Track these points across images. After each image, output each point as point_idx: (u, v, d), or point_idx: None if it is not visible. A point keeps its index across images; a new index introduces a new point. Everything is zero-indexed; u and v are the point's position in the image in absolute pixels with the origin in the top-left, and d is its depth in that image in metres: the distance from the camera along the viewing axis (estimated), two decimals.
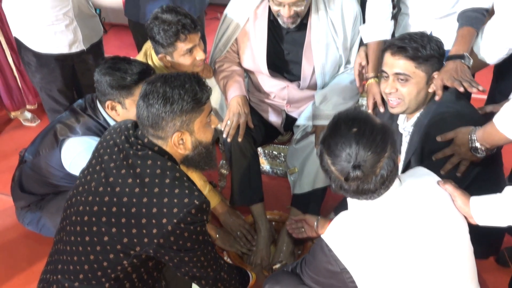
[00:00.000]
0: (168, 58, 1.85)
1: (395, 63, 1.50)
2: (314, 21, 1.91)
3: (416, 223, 1.18)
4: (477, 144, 1.39)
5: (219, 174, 2.37)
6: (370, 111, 1.82)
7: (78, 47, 2.24)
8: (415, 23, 1.93)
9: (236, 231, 2.05)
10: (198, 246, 1.31)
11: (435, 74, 1.51)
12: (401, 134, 1.69)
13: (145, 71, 1.70)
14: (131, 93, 1.69)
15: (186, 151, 1.34)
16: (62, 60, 2.25)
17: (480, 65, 1.64)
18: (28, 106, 2.95)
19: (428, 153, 1.50)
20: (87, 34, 2.27)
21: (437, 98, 1.52)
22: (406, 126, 1.65)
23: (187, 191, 1.25)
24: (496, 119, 1.31)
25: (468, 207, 1.24)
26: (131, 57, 1.78)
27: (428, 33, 1.90)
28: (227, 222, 2.05)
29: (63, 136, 1.77)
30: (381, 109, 1.77)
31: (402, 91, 1.51)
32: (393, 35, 1.95)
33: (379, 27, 1.87)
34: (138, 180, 1.26)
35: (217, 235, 2.02)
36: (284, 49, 1.99)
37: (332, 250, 1.19)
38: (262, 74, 2.05)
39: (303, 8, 1.80)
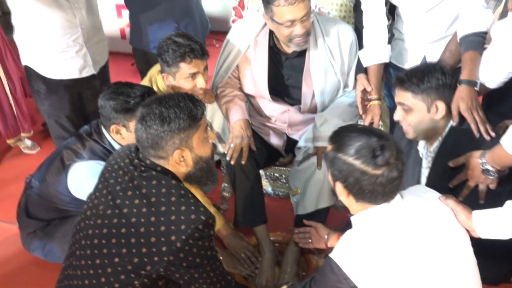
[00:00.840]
0: (170, 78, 1.90)
1: (398, 94, 1.62)
2: (313, 47, 1.97)
3: (421, 238, 1.21)
4: (488, 167, 1.45)
5: (221, 197, 2.39)
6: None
7: (89, 71, 2.30)
8: (409, 48, 2.01)
9: (240, 253, 2.06)
10: (207, 261, 1.34)
11: (438, 103, 1.57)
12: (420, 159, 1.75)
13: (148, 93, 1.75)
14: (134, 115, 1.71)
15: (188, 167, 1.38)
16: (71, 86, 2.29)
17: (482, 89, 1.69)
18: (23, 134, 2.96)
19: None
20: (96, 58, 2.32)
21: (454, 124, 1.59)
22: (426, 153, 1.72)
23: (193, 208, 1.28)
24: (503, 140, 1.37)
25: (470, 221, 1.28)
26: (133, 82, 1.85)
27: (421, 57, 1.99)
28: (231, 244, 2.06)
29: (69, 161, 1.80)
30: None
31: (408, 119, 1.62)
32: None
33: (377, 51, 1.95)
34: (144, 201, 1.29)
35: (221, 257, 2.03)
36: (284, 75, 2.05)
37: (341, 268, 1.22)
38: (263, 98, 2.10)
39: (310, 22, 1.85)
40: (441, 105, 1.57)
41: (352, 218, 1.32)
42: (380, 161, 1.19)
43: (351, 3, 2.21)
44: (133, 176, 1.32)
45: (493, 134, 1.53)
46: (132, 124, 1.75)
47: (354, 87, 2.05)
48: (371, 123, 1.94)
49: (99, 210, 1.35)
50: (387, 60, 1.96)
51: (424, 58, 1.99)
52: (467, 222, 1.29)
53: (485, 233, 1.29)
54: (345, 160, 1.22)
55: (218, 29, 3.71)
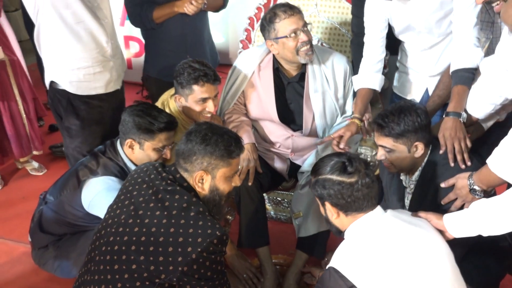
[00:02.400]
0: (183, 100, 2.02)
1: (378, 138, 1.72)
2: (311, 73, 2.13)
3: (404, 239, 1.35)
4: (476, 187, 1.56)
5: (224, 220, 2.46)
6: (333, 137, 1.99)
7: (113, 86, 2.31)
8: (412, 80, 2.15)
9: (242, 274, 2.12)
10: (217, 275, 1.41)
11: (417, 143, 1.68)
12: (403, 188, 1.87)
13: (172, 122, 1.88)
14: (152, 138, 1.85)
15: (203, 192, 1.49)
16: (101, 116, 2.29)
17: (470, 120, 1.80)
18: (35, 152, 3.03)
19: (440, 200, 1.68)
20: (120, 72, 2.37)
21: (441, 152, 1.71)
22: (409, 181, 1.83)
23: (209, 224, 1.38)
24: (489, 161, 1.49)
25: (442, 222, 1.45)
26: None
27: (424, 89, 2.11)
28: (235, 264, 2.12)
29: (84, 177, 1.89)
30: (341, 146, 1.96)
31: (390, 159, 1.72)
32: (391, 90, 2.16)
33: (369, 78, 2.07)
34: (165, 212, 1.38)
35: None
36: (287, 99, 2.19)
37: (339, 271, 1.32)
38: (270, 122, 2.21)
39: (310, 32, 2.04)
40: (420, 145, 1.68)
41: (345, 233, 1.44)
42: (351, 170, 1.38)
43: (349, 38, 2.37)
44: (158, 190, 1.43)
45: (468, 163, 1.65)
46: (147, 144, 1.86)
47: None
48: (341, 136, 1.98)
49: (120, 219, 1.43)
50: (376, 88, 2.08)
51: (427, 90, 2.11)
52: (440, 223, 1.45)
53: (455, 232, 1.44)
54: (324, 178, 1.42)
55: (223, 62, 3.87)
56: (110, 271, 1.38)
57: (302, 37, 2.00)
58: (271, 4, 2.45)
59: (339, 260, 1.35)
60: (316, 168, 1.46)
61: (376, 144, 1.75)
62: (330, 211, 1.44)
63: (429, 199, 1.70)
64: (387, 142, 1.69)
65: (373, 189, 1.41)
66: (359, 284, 1.29)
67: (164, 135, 1.87)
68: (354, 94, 2.16)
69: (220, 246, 1.38)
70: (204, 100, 2.00)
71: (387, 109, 1.76)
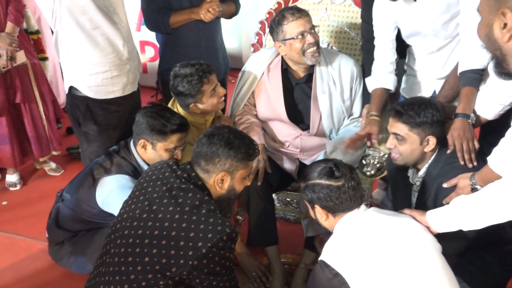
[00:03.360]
0: (198, 105, 2.08)
1: (393, 125, 1.75)
2: (319, 74, 2.17)
3: (385, 228, 1.43)
4: (478, 186, 1.59)
5: (234, 220, 2.51)
6: (362, 134, 2.04)
7: (130, 89, 2.35)
8: (419, 83, 2.17)
9: (252, 272, 2.16)
10: (225, 271, 1.47)
11: (430, 137, 1.71)
12: (411, 185, 1.90)
13: (184, 124, 1.95)
14: (165, 139, 1.92)
15: (221, 191, 1.57)
16: (118, 121, 2.33)
17: (481, 121, 1.83)
18: (54, 153, 3.12)
19: (443, 198, 1.70)
20: (136, 74, 2.41)
21: (448, 151, 1.75)
22: (415, 178, 1.86)
23: (220, 221, 1.44)
24: (489, 160, 1.52)
25: (425, 218, 1.52)
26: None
27: (432, 92, 2.14)
28: (245, 262, 2.17)
29: (98, 175, 1.96)
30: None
31: (400, 148, 1.75)
32: (399, 93, 2.20)
33: (382, 78, 2.11)
34: (178, 208, 1.45)
35: None
36: (295, 99, 2.24)
37: (325, 261, 1.41)
38: (278, 122, 2.26)
39: (318, 33, 2.10)
40: (433, 140, 1.72)
41: (334, 230, 1.52)
42: (338, 174, 1.49)
43: (358, 42, 2.41)
44: (172, 187, 1.50)
45: (475, 163, 1.69)
46: (159, 145, 1.93)
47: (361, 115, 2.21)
48: (369, 134, 2.04)
49: (135, 213, 1.50)
50: (390, 87, 2.12)
51: (434, 92, 2.13)
52: (423, 219, 1.52)
53: (438, 227, 1.50)
54: (314, 183, 1.52)
55: (233, 66, 3.94)
56: (124, 263, 1.45)
57: (309, 38, 2.05)
58: None
59: (325, 252, 1.44)
60: (305, 174, 1.57)
61: (389, 131, 1.78)
62: (320, 214, 1.53)
63: (432, 198, 1.73)
64: (402, 129, 1.72)
65: (359, 191, 1.51)
66: (342, 271, 1.36)
67: (176, 136, 1.94)
68: (366, 97, 2.19)
69: (230, 243, 1.44)
70: (214, 89, 2.06)
71: (407, 99, 1.81)
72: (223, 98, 2.13)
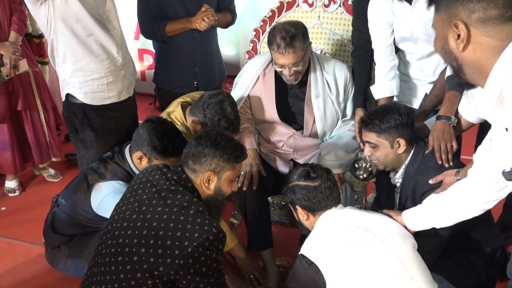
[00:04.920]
0: (198, 127, 2.15)
1: (365, 134, 1.90)
2: (313, 79, 2.22)
3: (358, 222, 1.53)
4: None
5: (230, 224, 2.55)
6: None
7: (126, 94, 2.36)
8: (411, 88, 2.22)
9: (250, 274, 2.19)
10: (212, 273, 1.48)
11: (399, 139, 1.82)
12: (394, 186, 1.99)
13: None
14: (163, 159, 1.96)
15: (208, 191, 1.60)
16: (115, 127, 2.35)
17: (466, 124, 1.90)
18: (54, 159, 3.16)
19: (420, 195, 1.78)
20: (132, 80, 2.42)
21: (427, 151, 1.85)
22: (396, 178, 1.96)
23: (207, 221, 1.47)
24: (474, 157, 1.56)
25: (401, 217, 1.62)
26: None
27: (423, 95, 2.19)
28: (244, 264, 2.20)
29: (93, 181, 2.00)
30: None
31: (375, 154, 1.89)
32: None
33: (386, 87, 2.16)
34: (167, 209, 1.48)
35: (226, 276, 2.14)
36: (289, 102, 2.28)
37: (302, 253, 1.50)
38: (272, 123, 2.31)
39: (300, 68, 2.10)
40: (402, 141, 1.83)
41: (316, 225, 1.61)
42: (314, 175, 1.62)
43: (350, 48, 2.46)
44: (161, 189, 1.54)
45: (451, 163, 1.79)
46: (156, 162, 1.96)
47: (353, 118, 2.25)
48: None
49: (126, 215, 1.53)
50: (395, 93, 2.18)
51: (426, 95, 2.18)
52: (399, 218, 1.62)
53: (413, 226, 1.59)
54: (293, 185, 1.64)
55: (231, 74, 3.99)
56: (114, 263, 1.48)
57: (285, 72, 2.09)
58: (276, 18, 2.56)
59: (303, 245, 1.53)
60: (286, 179, 1.71)
61: (363, 141, 1.92)
62: (301, 214, 1.64)
63: (410, 195, 1.82)
64: (372, 137, 1.85)
65: (335, 191, 1.62)
66: (316, 261, 1.44)
67: (174, 158, 1.97)
68: (357, 100, 2.24)
69: (217, 243, 1.46)
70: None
71: (374, 109, 1.93)
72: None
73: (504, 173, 1.15)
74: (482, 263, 1.79)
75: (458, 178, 1.66)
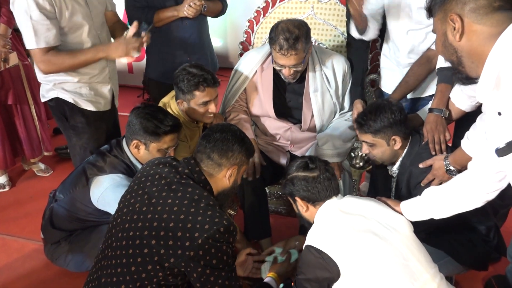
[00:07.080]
0: (185, 104, 2.12)
1: (360, 135, 1.96)
2: (311, 74, 2.23)
3: (359, 209, 1.57)
4: (451, 167, 1.77)
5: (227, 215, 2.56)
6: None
7: (107, 107, 2.27)
8: (390, 75, 2.24)
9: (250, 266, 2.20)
10: (223, 266, 1.49)
11: (394, 137, 1.87)
12: (391, 177, 2.06)
13: (176, 125, 1.98)
14: (158, 140, 1.95)
15: (228, 184, 1.65)
16: (103, 117, 2.28)
17: (458, 113, 1.94)
18: (46, 153, 3.12)
19: (414, 185, 1.88)
20: (116, 93, 2.34)
21: (423, 142, 1.92)
22: (393, 170, 2.02)
23: (218, 214, 1.47)
24: (462, 143, 1.67)
25: (399, 208, 1.66)
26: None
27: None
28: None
29: (92, 175, 1.97)
30: None
31: (373, 152, 1.96)
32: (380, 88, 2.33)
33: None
34: (177, 201, 1.48)
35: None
36: (287, 97, 2.29)
37: (309, 244, 1.51)
38: (269, 118, 2.32)
39: (300, 68, 2.10)
40: (398, 138, 1.89)
41: (315, 218, 1.64)
42: (312, 166, 1.63)
43: (344, 38, 2.48)
44: (172, 182, 1.54)
45: (444, 153, 1.85)
46: (152, 145, 1.96)
47: (351, 109, 2.29)
48: None
49: (135, 207, 1.53)
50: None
51: (389, 104, 2.15)
52: (397, 209, 1.66)
53: (411, 216, 1.63)
54: (292, 177, 1.65)
55: (220, 65, 3.98)
56: (125, 256, 1.47)
57: (285, 72, 2.10)
58: (269, 8, 2.56)
59: (308, 237, 1.56)
60: (285, 171, 1.72)
61: (360, 141, 1.97)
62: (301, 205, 1.66)
63: (405, 184, 1.90)
64: (367, 137, 1.91)
65: (333, 181, 1.63)
66: (326, 249, 1.47)
67: (169, 137, 1.96)
68: (354, 92, 2.27)
69: (227, 236, 1.46)
70: (206, 103, 2.10)
71: (366, 108, 1.97)
72: (212, 115, 2.16)
73: (497, 150, 1.19)
74: (480, 240, 1.88)
75: (446, 162, 1.76)
